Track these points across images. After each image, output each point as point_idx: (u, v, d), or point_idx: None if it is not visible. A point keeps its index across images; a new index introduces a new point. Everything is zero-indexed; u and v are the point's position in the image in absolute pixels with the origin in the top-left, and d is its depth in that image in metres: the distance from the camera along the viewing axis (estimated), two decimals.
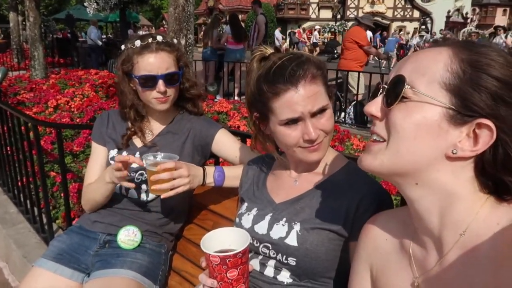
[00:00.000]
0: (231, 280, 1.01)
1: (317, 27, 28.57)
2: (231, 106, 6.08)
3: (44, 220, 2.63)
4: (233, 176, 1.52)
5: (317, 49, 25.48)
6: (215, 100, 6.67)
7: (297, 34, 26.37)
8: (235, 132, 1.95)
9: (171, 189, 1.38)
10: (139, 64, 1.55)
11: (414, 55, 0.78)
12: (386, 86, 0.78)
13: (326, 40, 28.37)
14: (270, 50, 1.20)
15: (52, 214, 3.07)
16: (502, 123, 0.67)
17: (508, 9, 42.70)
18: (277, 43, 26.11)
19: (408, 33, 27.93)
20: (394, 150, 0.75)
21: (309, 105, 1.07)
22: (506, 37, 12.16)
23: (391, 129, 0.75)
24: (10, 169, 3.13)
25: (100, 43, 13.46)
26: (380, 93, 0.80)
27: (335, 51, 22.91)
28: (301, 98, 1.07)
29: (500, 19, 41.74)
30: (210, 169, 1.53)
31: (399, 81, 0.75)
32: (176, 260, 1.78)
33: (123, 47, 1.63)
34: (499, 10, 42.41)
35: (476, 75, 0.69)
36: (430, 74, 0.72)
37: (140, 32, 19.71)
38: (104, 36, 17.70)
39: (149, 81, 1.55)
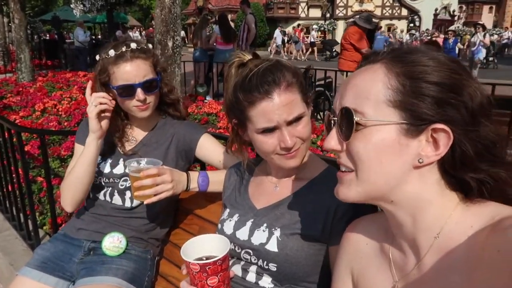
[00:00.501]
0: (212, 287, 1.02)
1: (314, 26, 28.38)
2: (221, 107, 6.08)
3: (31, 227, 2.61)
4: (217, 181, 1.52)
5: (315, 48, 25.40)
6: (205, 101, 6.65)
7: (296, 33, 26.26)
8: (220, 136, 1.95)
9: (155, 195, 1.38)
10: (116, 74, 1.53)
11: (351, 80, 0.79)
12: (335, 119, 0.79)
13: (322, 39, 28.25)
14: (248, 57, 1.20)
15: (40, 220, 3.05)
16: (453, 123, 0.69)
17: (494, 6, 43.28)
18: (278, 41, 26.06)
19: (402, 31, 27.98)
20: (365, 179, 0.76)
21: (284, 114, 1.08)
22: (484, 36, 12.03)
23: (355, 160, 0.76)
24: None
25: (87, 43, 13.35)
26: (333, 126, 0.80)
27: (334, 50, 22.98)
28: (276, 107, 1.07)
29: (487, 16, 42.28)
30: (194, 174, 1.53)
31: (346, 113, 0.75)
32: (163, 265, 1.77)
33: (97, 57, 1.61)
34: (486, 8, 42.94)
35: (415, 86, 0.70)
36: (373, 96, 0.73)
37: (130, 33, 19.65)
38: (93, 37, 17.51)
39: (128, 90, 1.54)
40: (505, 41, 20.29)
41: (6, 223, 3.06)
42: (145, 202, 1.39)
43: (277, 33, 26.57)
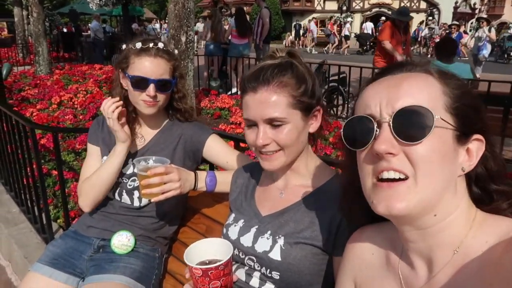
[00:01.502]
0: None
1: (349, 19, 27.46)
2: (234, 102, 6.08)
3: (44, 221, 2.66)
4: (225, 181, 1.52)
5: (348, 42, 24.58)
6: (218, 95, 6.65)
7: (329, 26, 25.63)
8: (229, 136, 1.96)
9: (162, 193, 1.39)
10: (135, 65, 1.56)
11: (401, 84, 0.74)
12: (390, 120, 0.72)
13: (356, 33, 27.41)
14: (280, 54, 1.18)
15: (54, 213, 3.11)
16: (486, 134, 0.74)
17: None
18: (313, 34, 25.52)
19: (421, 23, 27.07)
20: (425, 185, 0.70)
21: (261, 111, 1.08)
22: (489, 30, 11.19)
23: (417, 163, 0.70)
24: (12, 168, 3.16)
25: (101, 36, 13.46)
26: (379, 130, 0.73)
27: (368, 43, 22.55)
28: (255, 102, 1.09)
29: (509, 9, 41.01)
30: (202, 174, 1.54)
31: (413, 113, 0.70)
32: (171, 263, 1.80)
33: (123, 46, 1.64)
34: (508, 1, 41.68)
35: (463, 95, 0.74)
36: (434, 100, 0.72)
37: (150, 25, 19.49)
38: (112, 30, 17.62)
39: (141, 82, 1.55)
40: (507, 34, 19.42)
41: (22, 216, 3.13)
42: (152, 200, 1.40)
43: (312, 26, 25.98)
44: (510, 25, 22.56)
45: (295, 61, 1.14)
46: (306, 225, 1.13)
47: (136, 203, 1.65)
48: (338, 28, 26.73)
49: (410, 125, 0.70)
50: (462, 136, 0.72)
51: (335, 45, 24.65)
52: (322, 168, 1.24)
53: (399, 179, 0.71)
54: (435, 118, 0.69)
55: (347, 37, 24.67)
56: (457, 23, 13.57)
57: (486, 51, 10.96)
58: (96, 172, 1.62)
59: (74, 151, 4.06)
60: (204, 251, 1.10)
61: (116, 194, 1.67)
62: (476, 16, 27.79)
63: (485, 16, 13.31)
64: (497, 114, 4.40)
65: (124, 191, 1.65)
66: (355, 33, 26.79)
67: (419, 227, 0.75)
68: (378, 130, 0.73)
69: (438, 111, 0.71)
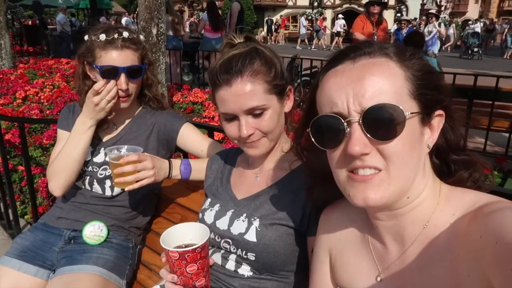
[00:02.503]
0: (191, 274, 1.03)
1: (340, 16, 26.60)
2: (206, 96, 6.04)
3: (11, 216, 2.57)
4: (199, 169, 1.52)
5: (340, 38, 24.12)
6: (190, 90, 6.59)
7: (318, 22, 25.29)
8: (202, 125, 1.95)
9: (136, 182, 1.37)
10: (102, 59, 1.51)
11: (362, 76, 0.72)
12: (360, 120, 0.71)
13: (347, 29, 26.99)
14: (238, 40, 1.19)
15: (21, 209, 3.02)
16: (445, 107, 0.76)
17: None
18: (303, 30, 25.25)
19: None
20: (398, 175, 0.72)
21: (239, 103, 1.08)
22: (439, 25, 10.83)
23: (390, 157, 0.71)
24: None
25: (68, 30, 13.06)
26: (349, 130, 0.72)
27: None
28: (232, 95, 1.08)
29: (473, 6, 42.67)
30: (176, 162, 1.52)
31: (381, 111, 0.69)
32: (145, 254, 1.78)
33: (86, 37, 1.58)
34: None
35: (424, 76, 0.74)
36: (399, 90, 0.71)
37: (124, 19, 18.92)
38: (79, 23, 17.04)
39: (111, 72, 1.51)
40: (470, 30, 19.96)
41: None
42: (126, 189, 1.37)
43: (303, 21, 25.56)
44: (470, 22, 23.30)
45: (259, 46, 1.15)
46: (281, 206, 1.14)
47: (108, 193, 1.62)
48: (310, 24, 26.92)
49: (381, 123, 0.69)
50: (426, 116, 0.74)
51: (322, 41, 24.48)
52: None
53: (372, 174, 0.72)
54: (406, 114, 0.69)
55: (338, 34, 24.32)
56: (407, 18, 13.03)
57: (436, 47, 10.47)
58: (64, 150, 1.54)
59: (42, 146, 3.93)
60: (180, 235, 1.10)
61: (87, 184, 1.63)
62: (442, 13, 28.70)
63: (434, 11, 12.84)
64: (462, 105, 4.57)
65: (95, 180, 1.62)
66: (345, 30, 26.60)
67: (392, 209, 0.78)
68: (348, 129, 0.72)
69: (404, 102, 0.71)
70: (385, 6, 6.49)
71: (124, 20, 19.58)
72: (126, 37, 1.53)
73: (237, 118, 1.11)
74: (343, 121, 0.72)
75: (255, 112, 1.09)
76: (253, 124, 1.10)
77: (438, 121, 0.76)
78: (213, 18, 8.08)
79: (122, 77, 1.52)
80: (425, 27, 11.24)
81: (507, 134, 4.42)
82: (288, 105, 1.20)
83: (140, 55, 1.59)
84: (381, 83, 0.71)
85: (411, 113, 0.71)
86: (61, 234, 1.62)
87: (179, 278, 1.04)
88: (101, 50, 1.51)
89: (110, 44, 1.51)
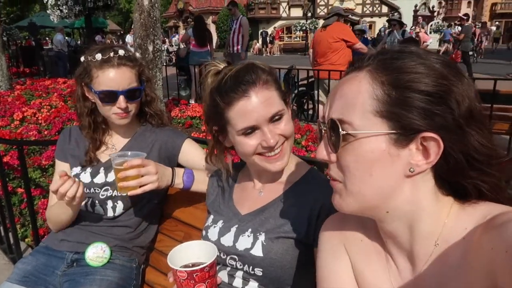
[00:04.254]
0: None
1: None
2: None
3: (11, 240, 2.54)
4: (202, 180, 1.50)
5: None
6: (188, 104, 6.60)
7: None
8: (202, 141, 1.93)
9: (140, 187, 1.35)
10: (99, 79, 1.51)
11: (338, 89, 0.76)
12: (325, 129, 0.77)
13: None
14: (222, 65, 1.21)
15: (21, 232, 2.98)
16: (443, 131, 0.67)
17: (472, 0, 44.20)
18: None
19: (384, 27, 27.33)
20: (354, 192, 0.74)
21: (263, 111, 1.07)
22: (403, 34, 9.84)
23: (345, 172, 0.74)
24: None
25: (65, 49, 13.15)
26: (323, 136, 0.78)
27: None
28: (255, 104, 1.07)
29: (465, 10, 43.09)
30: (179, 171, 1.51)
31: (334, 124, 0.73)
32: (149, 273, 1.75)
33: (82, 58, 1.58)
34: (464, 2, 43.86)
35: (401, 96, 0.68)
36: (360, 107, 0.71)
37: (128, 37, 18.87)
38: (75, 43, 17.12)
39: (110, 97, 1.51)
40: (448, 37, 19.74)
41: None
42: (129, 194, 1.35)
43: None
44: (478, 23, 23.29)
45: (253, 61, 1.17)
46: (286, 219, 1.13)
47: (110, 213, 1.60)
48: (304, 35, 27.17)
49: (332, 136, 0.74)
50: (401, 137, 0.68)
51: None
52: (297, 164, 1.26)
53: (336, 180, 0.78)
54: (341, 132, 0.72)
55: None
56: (397, 18, 10.96)
57: None
58: (54, 210, 1.58)
59: (41, 168, 3.90)
60: (187, 254, 1.08)
61: (89, 206, 1.61)
62: (435, 18, 28.96)
63: (397, 17, 11.48)
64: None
65: (96, 201, 1.60)
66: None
67: (384, 221, 0.77)
68: (323, 136, 0.78)
69: (366, 120, 0.70)
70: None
71: (128, 38, 19.71)
72: (122, 55, 1.53)
73: (257, 129, 1.09)
74: (322, 126, 0.80)
75: (275, 118, 1.10)
76: (276, 130, 1.10)
77: (432, 144, 0.67)
78: (200, 33, 8.01)
79: (121, 99, 1.51)
80: (388, 36, 10.02)
81: (507, 136, 4.41)
82: (290, 113, 1.21)
83: (137, 72, 1.58)
84: (344, 100, 0.73)
85: (370, 132, 0.69)
86: (63, 257, 1.59)
87: None
88: (98, 69, 1.51)
89: (106, 63, 1.50)
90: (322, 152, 0.78)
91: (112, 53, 1.52)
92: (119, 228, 1.63)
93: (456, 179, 0.72)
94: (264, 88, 1.09)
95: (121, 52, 1.54)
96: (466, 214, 0.72)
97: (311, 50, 6.46)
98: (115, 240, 1.61)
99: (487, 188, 0.72)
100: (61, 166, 1.68)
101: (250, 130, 1.10)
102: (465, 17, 12.08)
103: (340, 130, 0.72)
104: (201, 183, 1.49)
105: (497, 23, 28.84)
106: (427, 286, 0.73)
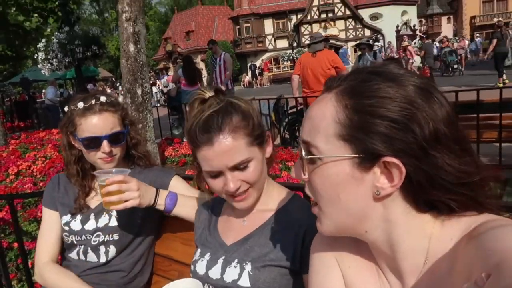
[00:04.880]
0: None
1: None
2: None
3: None
4: (185, 204, 1.50)
5: None
6: (182, 143, 6.65)
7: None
8: (191, 177, 1.95)
9: (122, 204, 1.36)
10: (83, 126, 1.54)
11: (309, 111, 0.77)
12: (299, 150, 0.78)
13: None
14: (209, 94, 1.19)
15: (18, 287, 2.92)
16: (404, 155, 0.67)
17: (451, 16, 45.53)
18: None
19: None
20: (328, 214, 0.76)
21: (224, 160, 1.08)
22: (374, 56, 9.55)
23: (315, 195, 0.76)
24: None
25: (57, 100, 13.33)
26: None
27: None
28: (216, 154, 1.07)
29: (446, 26, 44.38)
30: (163, 193, 1.51)
31: (303, 146, 0.75)
32: None
33: (66, 108, 1.62)
34: (444, 19, 45.15)
35: (363, 120, 0.68)
36: (323, 130, 0.72)
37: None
38: (67, 93, 17.35)
39: (94, 142, 1.54)
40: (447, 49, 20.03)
41: None
42: (111, 208, 1.37)
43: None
44: (449, 39, 23.95)
45: (233, 100, 1.16)
46: (271, 247, 1.13)
47: (103, 259, 1.59)
48: (292, 64, 27.74)
49: (303, 158, 0.75)
50: (364, 161, 0.69)
51: None
52: (280, 191, 1.27)
53: (314, 204, 0.79)
54: (305, 157, 0.74)
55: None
56: (365, 41, 10.44)
57: None
58: (54, 285, 1.58)
59: (36, 220, 3.88)
60: None
61: (81, 254, 1.60)
62: (417, 37, 29.67)
63: (365, 41, 10.58)
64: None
65: (89, 248, 1.59)
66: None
67: (368, 240, 0.78)
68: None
69: (330, 144, 0.71)
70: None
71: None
72: (104, 101, 1.57)
73: (222, 173, 1.11)
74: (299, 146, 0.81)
75: (240, 166, 1.10)
76: (240, 177, 1.11)
77: (395, 169, 0.67)
78: (189, 73, 8.15)
79: (105, 144, 1.54)
80: (359, 60, 9.67)
81: (497, 144, 4.45)
82: (268, 150, 1.20)
83: (120, 116, 1.62)
84: (312, 120, 0.75)
85: (334, 156, 0.71)
86: None
87: None
88: (81, 117, 1.54)
89: (88, 111, 1.54)
90: (295, 171, 0.80)
91: (94, 100, 1.56)
92: (112, 274, 1.61)
93: (420, 197, 0.71)
94: (229, 137, 1.07)
95: (103, 98, 1.58)
96: (451, 226, 0.72)
97: (296, 76, 6.41)
98: (110, 286, 1.60)
99: (456, 205, 0.71)
100: (48, 214, 1.67)
101: (215, 174, 1.12)
102: (424, 36, 12.35)
103: (304, 154, 0.74)
104: (183, 207, 1.49)
105: (478, 35, 29.48)
106: None
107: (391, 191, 0.70)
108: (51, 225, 1.66)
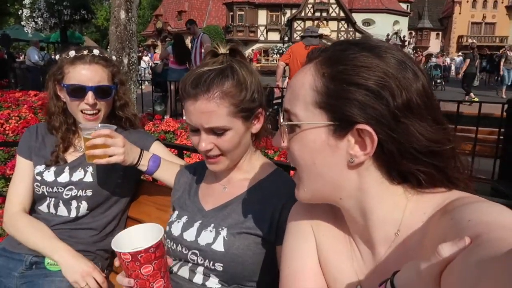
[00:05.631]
0: (147, 276, 0.98)
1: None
2: (179, 125, 6.02)
3: None
4: (167, 168, 1.49)
5: None
6: (163, 120, 6.57)
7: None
8: (172, 145, 1.94)
9: (108, 157, 1.36)
10: (70, 74, 1.51)
11: (290, 82, 0.82)
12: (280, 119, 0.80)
13: None
14: (222, 50, 1.16)
15: None
16: (376, 123, 0.69)
17: (440, 33, 46.47)
18: None
19: None
20: (305, 180, 0.79)
21: (201, 120, 1.09)
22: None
23: (294, 161, 0.79)
24: None
25: (41, 63, 12.89)
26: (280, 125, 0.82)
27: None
28: (196, 111, 1.09)
29: (434, 42, 45.35)
30: (147, 154, 1.50)
31: (284, 113, 0.78)
32: (112, 279, 1.70)
33: (57, 57, 1.59)
34: (433, 34, 46.11)
35: (338, 87, 0.71)
36: (302, 97, 0.75)
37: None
38: (48, 57, 16.78)
39: (78, 91, 1.50)
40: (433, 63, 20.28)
41: None
42: (94, 161, 1.36)
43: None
44: (433, 57, 24.46)
45: (236, 65, 1.13)
46: (249, 216, 1.14)
47: (73, 214, 1.57)
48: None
49: (282, 125, 0.79)
50: (338, 129, 0.71)
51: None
52: (263, 163, 1.27)
53: (295, 171, 0.82)
54: (286, 120, 0.77)
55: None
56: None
57: None
58: (30, 238, 1.53)
59: (4, 177, 3.77)
60: (134, 238, 1.04)
61: (52, 206, 1.58)
62: (406, 48, 30.14)
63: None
64: None
65: (60, 201, 1.56)
66: None
67: (343, 207, 0.80)
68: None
69: (309, 111, 0.74)
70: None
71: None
72: (97, 54, 1.54)
73: (198, 131, 1.12)
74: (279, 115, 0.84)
75: (216, 131, 1.10)
76: (213, 140, 1.11)
77: (368, 137, 0.69)
78: (180, 52, 8.03)
79: (90, 95, 1.50)
80: None
81: (470, 157, 4.59)
82: (256, 126, 1.19)
83: (110, 73, 1.58)
84: (292, 89, 0.78)
85: (311, 123, 0.74)
86: (22, 259, 1.54)
87: (135, 281, 0.98)
88: (70, 65, 1.51)
89: (79, 60, 1.51)
90: (276, 139, 0.82)
91: (86, 51, 1.54)
92: (82, 231, 1.59)
93: (393, 168, 0.73)
94: (213, 100, 1.07)
95: (96, 51, 1.55)
96: (425, 200, 0.74)
97: (282, 63, 6.43)
98: (78, 244, 1.57)
99: (424, 178, 0.73)
100: (23, 163, 1.63)
101: (194, 129, 1.14)
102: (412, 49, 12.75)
103: (282, 120, 0.77)
104: (165, 171, 1.49)
105: (459, 54, 30.30)
106: (387, 270, 0.73)
107: (363, 159, 0.72)
108: (24, 174, 1.62)
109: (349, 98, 0.69)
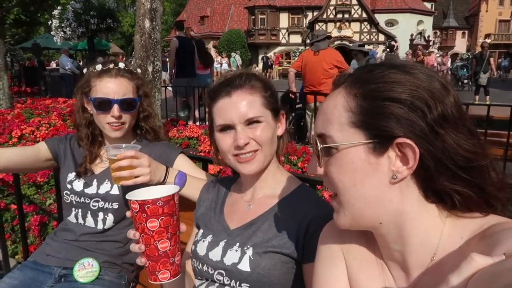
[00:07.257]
0: (152, 232, 0.96)
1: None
2: (202, 131, 6.07)
3: (0, 256, 2.50)
4: (195, 186, 1.49)
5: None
6: (186, 125, 6.64)
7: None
8: (196, 157, 1.95)
9: (132, 179, 1.36)
10: (97, 87, 1.55)
11: (321, 107, 0.81)
12: (314, 145, 0.80)
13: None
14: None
15: (12, 249, 2.94)
16: (415, 136, 0.68)
17: (467, 31, 45.18)
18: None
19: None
20: (345, 204, 0.76)
21: (239, 111, 1.13)
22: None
23: (333, 184, 0.77)
24: None
25: (77, 71, 13.29)
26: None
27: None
28: (233, 105, 1.13)
29: (460, 41, 44.12)
30: (173, 171, 1.51)
31: (318, 138, 0.78)
32: None
33: (85, 70, 1.64)
34: (459, 33, 44.84)
35: (371, 105, 0.71)
36: (336, 119, 0.75)
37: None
38: (76, 64, 17.29)
39: (104, 105, 1.54)
40: (460, 63, 19.67)
41: None
42: (120, 184, 1.37)
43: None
44: (461, 55, 23.81)
45: (257, 73, 1.24)
46: (274, 234, 1.12)
47: (100, 226, 1.59)
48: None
49: (317, 150, 0.78)
50: (378, 146, 0.71)
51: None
52: (288, 179, 1.26)
53: (333, 197, 0.80)
54: (319, 146, 0.76)
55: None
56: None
57: None
58: (11, 155, 1.58)
59: (36, 184, 3.89)
60: (151, 194, 1.02)
61: (80, 217, 1.61)
62: (431, 47, 29.51)
63: (357, 46, 8.83)
64: None
65: (88, 212, 1.60)
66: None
67: (380, 234, 0.77)
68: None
69: (345, 132, 0.73)
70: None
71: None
72: (122, 67, 1.57)
73: (233, 128, 1.14)
74: (313, 143, 0.86)
75: (251, 122, 1.13)
76: (249, 133, 1.13)
77: (409, 150, 0.68)
78: (203, 55, 8.29)
79: (115, 108, 1.54)
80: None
81: (502, 162, 4.43)
82: (281, 128, 1.24)
83: (135, 85, 1.62)
84: (324, 113, 0.78)
85: (348, 143, 0.73)
86: (51, 272, 1.57)
87: (141, 235, 0.97)
88: (96, 79, 1.55)
89: (105, 73, 1.56)
90: (311, 165, 0.82)
91: (112, 65, 1.58)
92: (108, 243, 1.62)
93: (429, 186, 0.72)
94: (247, 93, 1.15)
95: (121, 65, 1.60)
96: (462, 224, 0.72)
97: (292, 70, 6.50)
98: (104, 256, 1.60)
99: (459, 199, 0.71)
100: (43, 148, 1.69)
101: (226, 128, 1.15)
102: (394, 44, 12.45)
103: (319, 144, 0.76)
104: (191, 188, 1.49)
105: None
106: None
107: (406, 174, 0.70)
108: (33, 149, 1.68)
109: (385, 113, 0.69)
